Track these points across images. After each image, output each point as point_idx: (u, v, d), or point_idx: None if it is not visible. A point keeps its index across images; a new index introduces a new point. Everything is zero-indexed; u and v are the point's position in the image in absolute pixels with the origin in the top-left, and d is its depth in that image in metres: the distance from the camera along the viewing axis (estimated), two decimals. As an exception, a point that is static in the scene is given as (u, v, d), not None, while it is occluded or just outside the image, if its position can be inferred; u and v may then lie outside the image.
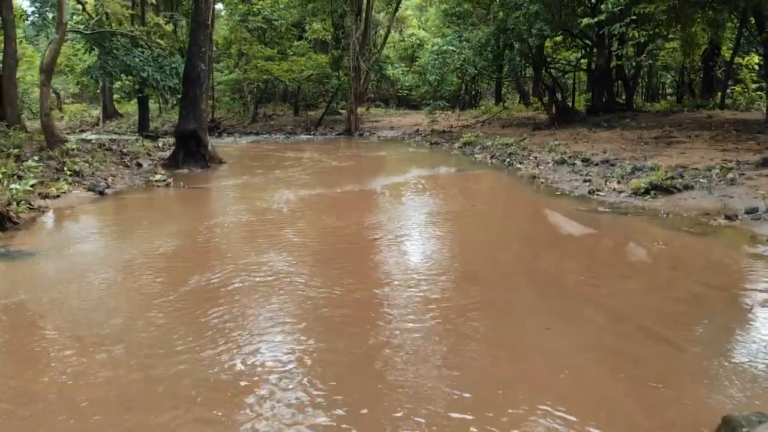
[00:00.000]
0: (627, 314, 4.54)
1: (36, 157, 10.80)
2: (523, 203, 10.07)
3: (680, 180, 9.50)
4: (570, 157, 13.77)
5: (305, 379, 3.55)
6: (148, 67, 23.85)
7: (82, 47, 25.66)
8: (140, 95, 27.95)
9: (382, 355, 3.88)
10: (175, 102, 34.30)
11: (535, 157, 15.04)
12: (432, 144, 21.72)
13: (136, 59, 23.86)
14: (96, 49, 24.71)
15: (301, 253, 6.50)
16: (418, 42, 47.06)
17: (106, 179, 11.54)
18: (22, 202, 7.77)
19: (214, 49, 43.05)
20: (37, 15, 22.96)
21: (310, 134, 29.60)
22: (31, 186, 7.84)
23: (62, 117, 41.62)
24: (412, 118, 34.86)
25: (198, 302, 4.88)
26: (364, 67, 28.24)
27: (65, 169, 10.39)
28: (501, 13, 20.34)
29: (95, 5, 24.69)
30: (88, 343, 4.09)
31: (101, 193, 10.39)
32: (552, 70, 24.12)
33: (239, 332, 4.25)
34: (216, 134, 30.67)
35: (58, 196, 9.52)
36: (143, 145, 18.17)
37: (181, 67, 19.41)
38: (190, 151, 14.65)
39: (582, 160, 13.35)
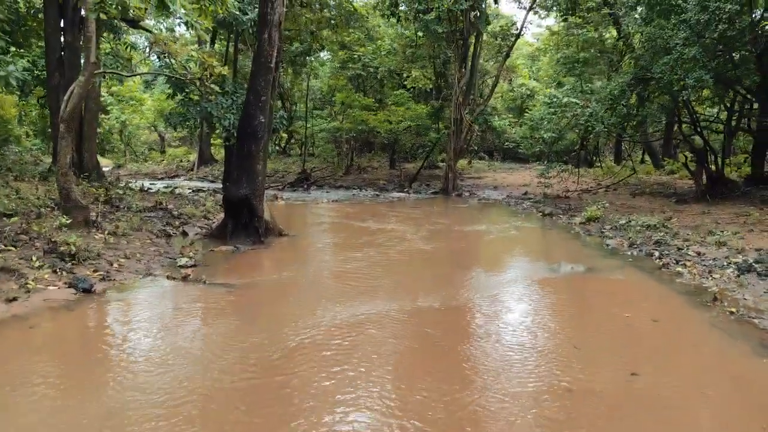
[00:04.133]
0: None
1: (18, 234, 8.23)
2: (724, 373, 5.59)
3: None
4: (758, 262, 9.40)
5: None
6: (230, 114, 21.99)
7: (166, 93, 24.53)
8: (226, 143, 26.30)
9: None
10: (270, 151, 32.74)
11: (698, 253, 10.74)
12: (545, 215, 17.73)
13: (221, 106, 22.18)
14: (178, 94, 23.32)
15: None
16: (528, 92, 43.46)
17: (111, 264, 8.79)
18: None
19: (319, 95, 41.76)
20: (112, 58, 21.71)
21: (403, 191, 26.51)
22: None
23: (162, 161, 41.76)
24: (519, 175, 31.02)
25: None
26: (467, 118, 24.90)
27: (35, 257, 7.63)
28: (641, 60, 16.26)
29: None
30: None
31: (86, 290, 7.55)
32: (703, 130, 19.43)
33: None
34: (304, 187, 28.35)
35: (14, 299, 6.75)
36: (204, 205, 15.71)
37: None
38: (241, 223, 11.81)
39: (778, 268, 9.00)
